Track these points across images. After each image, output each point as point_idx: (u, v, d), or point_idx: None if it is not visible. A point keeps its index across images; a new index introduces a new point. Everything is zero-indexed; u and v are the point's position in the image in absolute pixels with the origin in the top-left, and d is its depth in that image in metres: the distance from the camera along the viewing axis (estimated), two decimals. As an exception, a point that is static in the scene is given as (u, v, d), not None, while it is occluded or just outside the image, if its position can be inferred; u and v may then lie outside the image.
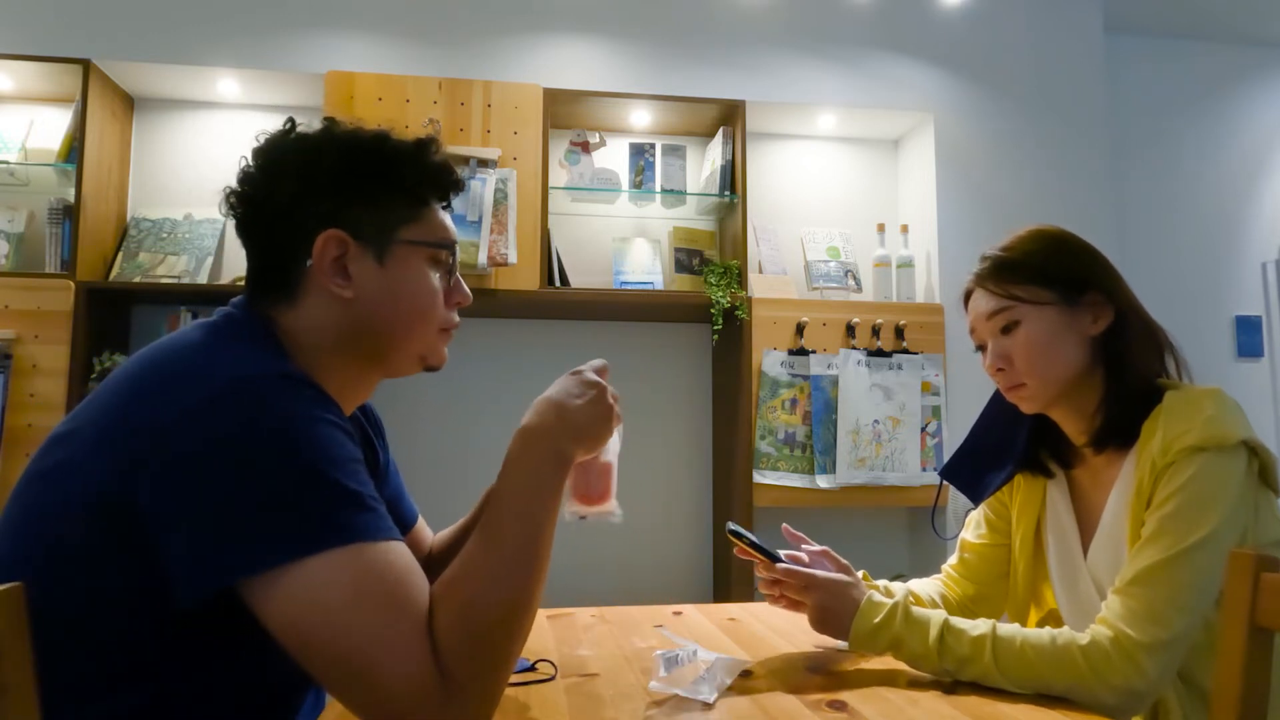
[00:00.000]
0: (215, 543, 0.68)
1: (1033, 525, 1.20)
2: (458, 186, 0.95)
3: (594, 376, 0.87)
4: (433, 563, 1.14)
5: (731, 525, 1.12)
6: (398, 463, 1.17)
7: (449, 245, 0.93)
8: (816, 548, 1.16)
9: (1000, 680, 0.95)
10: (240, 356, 0.76)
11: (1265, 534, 1.00)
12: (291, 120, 0.91)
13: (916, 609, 1.01)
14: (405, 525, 1.13)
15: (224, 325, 0.84)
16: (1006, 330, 1.09)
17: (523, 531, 0.76)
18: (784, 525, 1.23)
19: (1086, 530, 1.13)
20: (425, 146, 0.91)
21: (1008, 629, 0.97)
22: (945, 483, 1.31)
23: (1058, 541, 1.16)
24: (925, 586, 1.28)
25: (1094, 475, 1.12)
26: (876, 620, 1.00)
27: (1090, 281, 1.08)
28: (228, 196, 0.88)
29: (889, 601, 1.02)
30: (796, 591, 1.08)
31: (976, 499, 1.27)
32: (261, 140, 0.89)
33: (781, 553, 1.12)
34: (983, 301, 1.12)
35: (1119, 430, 1.06)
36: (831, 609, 1.04)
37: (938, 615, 1.00)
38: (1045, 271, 1.09)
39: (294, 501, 0.69)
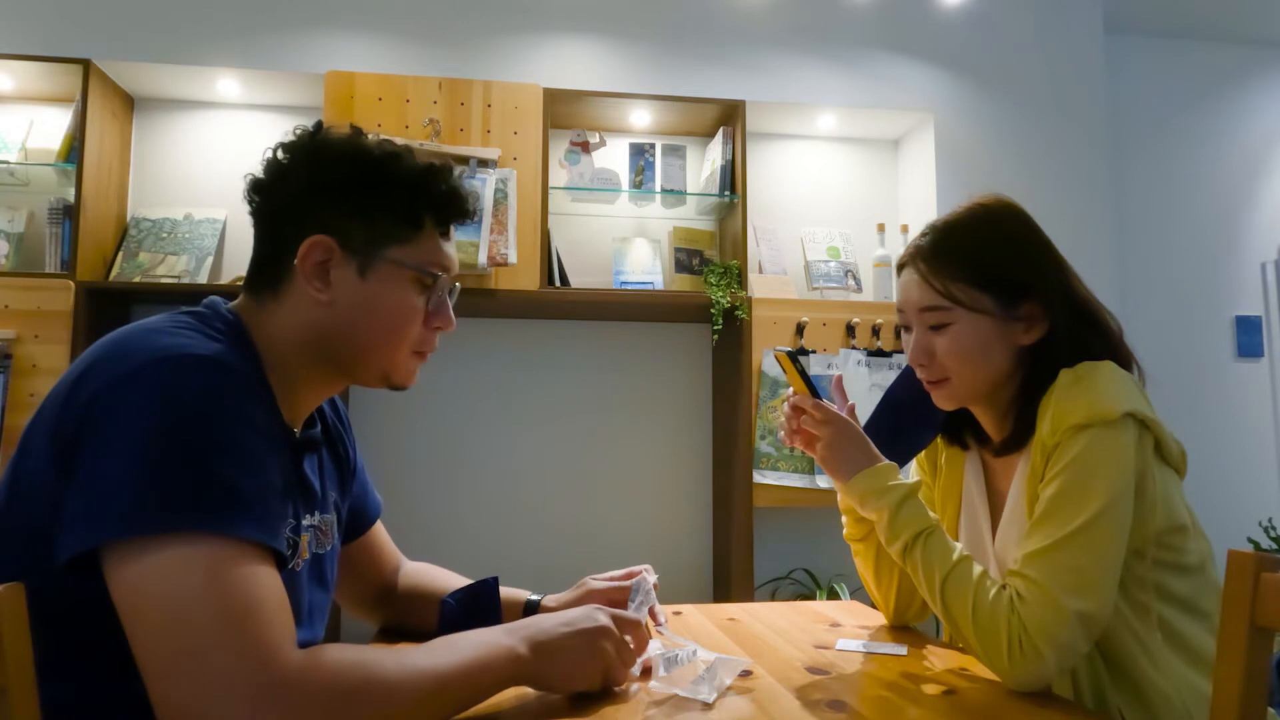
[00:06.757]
0: (88, 507, 0.68)
1: (957, 508, 1.21)
2: (462, 217, 0.96)
3: (608, 625, 0.87)
4: (396, 596, 1.17)
5: (785, 349, 1.14)
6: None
7: (435, 273, 0.92)
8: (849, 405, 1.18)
9: (934, 599, 0.99)
10: (176, 339, 0.76)
11: (1176, 517, 0.99)
12: (319, 123, 0.94)
13: (919, 503, 1.05)
14: (369, 518, 1.16)
15: (182, 315, 0.84)
16: (936, 328, 1.07)
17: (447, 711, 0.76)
18: (837, 376, 1.25)
19: (996, 514, 1.14)
20: (435, 174, 0.92)
21: (976, 566, 0.99)
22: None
23: (969, 525, 1.18)
24: None
25: (1003, 459, 1.13)
26: (880, 486, 1.05)
27: (1030, 289, 1.05)
28: (249, 183, 0.92)
29: (902, 482, 1.06)
30: (815, 424, 1.10)
31: (900, 462, 1.29)
32: (292, 135, 0.92)
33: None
34: (915, 290, 1.08)
35: (1023, 435, 1.06)
36: (843, 450, 1.08)
37: (933, 517, 1.04)
38: (986, 270, 1.05)
39: (168, 478, 0.68)
